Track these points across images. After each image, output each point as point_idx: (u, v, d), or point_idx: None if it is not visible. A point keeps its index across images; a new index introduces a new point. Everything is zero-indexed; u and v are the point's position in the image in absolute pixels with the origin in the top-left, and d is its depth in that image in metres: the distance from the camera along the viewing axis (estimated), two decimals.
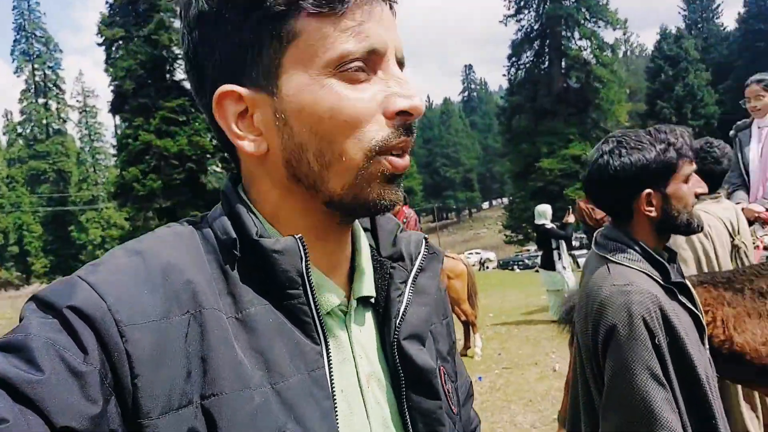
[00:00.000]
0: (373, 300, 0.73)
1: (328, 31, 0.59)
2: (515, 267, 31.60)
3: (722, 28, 59.29)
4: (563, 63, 39.28)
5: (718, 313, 2.08)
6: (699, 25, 58.00)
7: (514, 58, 41.61)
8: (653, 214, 1.53)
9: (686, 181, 1.54)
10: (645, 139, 1.51)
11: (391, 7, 0.65)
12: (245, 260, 0.63)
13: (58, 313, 0.52)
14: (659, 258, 1.51)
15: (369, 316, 0.72)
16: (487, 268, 34.19)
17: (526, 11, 40.74)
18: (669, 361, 1.37)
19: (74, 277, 0.56)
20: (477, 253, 41.51)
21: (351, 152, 0.61)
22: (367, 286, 0.72)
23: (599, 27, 38.34)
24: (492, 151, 75.98)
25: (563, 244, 7.94)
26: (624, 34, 41.80)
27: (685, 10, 59.66)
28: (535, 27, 40.55)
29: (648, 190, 1.51)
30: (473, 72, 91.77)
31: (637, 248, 1.52)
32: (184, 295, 0.57)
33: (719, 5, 59.49)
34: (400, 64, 0.65)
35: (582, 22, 38.24)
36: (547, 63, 40.33)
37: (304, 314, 0.62)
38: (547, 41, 39.93)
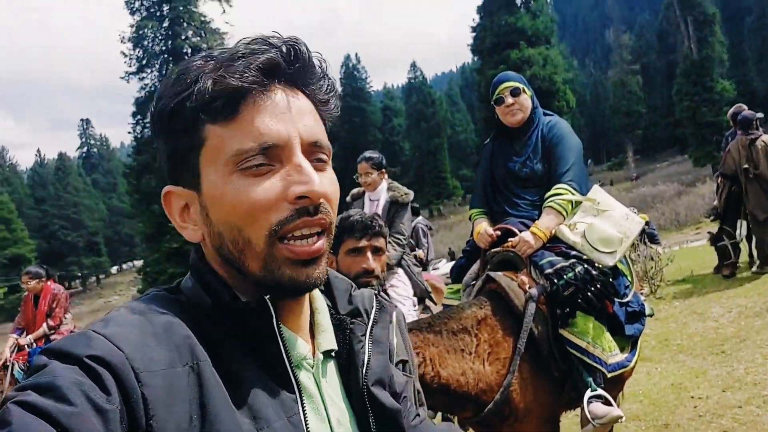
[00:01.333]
0: (333, 353, 0.83)
1: (226, 134, 0.70)
2: None
3: None
4: None
5: (426, 353, 2.24)
6: None
7: (139, 116, 40.51)
8: None
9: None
10: None
11: (304, 91, 0.78)
12: (222, 322, 0.72)
13: (79, 360, 0.59)
14: None
15: (332, 366, 0.82)
16: None
17: (148, 70, 40.32)
18: None
19: (88, 332, 0.63)
20: None
21: (254, 238, 0.70)
22: (329, 341, 0.82)
23: None
24: (119, 211, 71.43)
25: None
26: None
27: None
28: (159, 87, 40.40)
29: None
30: (92, 127, 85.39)
31: None
32: (183, 349, 0.66)
33: None
34: (313, 144, 0.75)
35: None
36: None
37: (278, 367, 0.72)
38: None
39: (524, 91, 2.92)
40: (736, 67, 54.35)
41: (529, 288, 2.53)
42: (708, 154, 40.72)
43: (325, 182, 0.75)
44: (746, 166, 7.49)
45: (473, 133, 66.36)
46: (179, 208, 0.77)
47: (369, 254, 2.01)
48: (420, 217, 9.80)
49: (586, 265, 2.55)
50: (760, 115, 7.72)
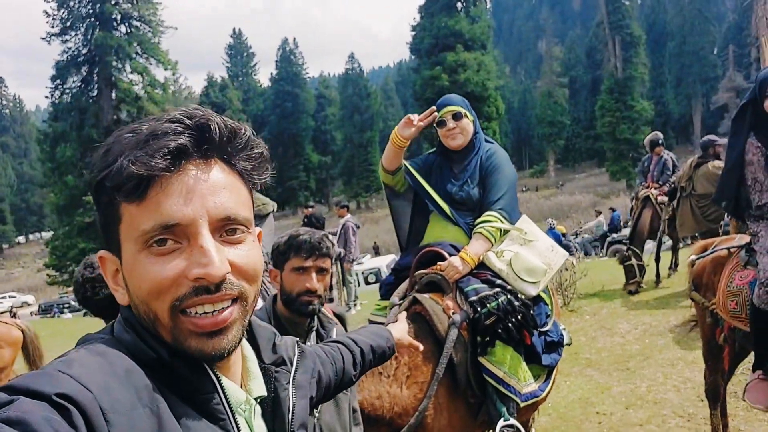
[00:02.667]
0: (259, 399, 0.89)
1: (136, 214, 0.74)
2: (62, 312, 27.92)
3: (259, 85, 67.26)
4: (113, 94, 38.09)
5: None
6: (240, 79, 64.46)
7: (58, 81, 38.26)
8: None
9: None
10: None
11: (227, 162, 0.81)
12: (164, 372, 0.75)
13: (47, 398, 0.61)
14: None
15: (258, 410, 0.88)
16: (29, 315, 29.41)
17: (72, 33, 38.14)
18: None
19: (53, 371, 0.65)
20: (12, 296, 36.11)
21: (160, 312, 0.75)
22: (259, 387, 0.89)
23: (151, 64, 38.73)
24: (29, 179, 67.26)
25: None
26: (174, 75, 42.89)
27: (228, 63, 65.55)
28: (83, 52, 38.31)
29: None
30: (5, 86, 79.98)
31: None
32: (143, 392, 0.70)
33: (256, 63, 67.46)
34: (225, 220, 0.78)
35: (134, 56, 38.01)
36: (96, 92, 38.41)
37: (219, 413, 0.78)
38: (96, 69, 38.17)
39: (466, 116, 2.94)
40: (656, 89, 57.54)
41: (453, 313, 2.55)
42: (624, 168, 42.93)
43: (239, 256, 0.79)
44: (683, 184, 8.01)
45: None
46: (111, 271, 0.81)
47: (313, 274, 1.98)
48: (349, 215, 9.81)
49: (509, 296, 2.59)
50: (721, 141, 8.20)
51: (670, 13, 61.26)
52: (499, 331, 2.51)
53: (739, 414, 4.14)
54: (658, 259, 8.92)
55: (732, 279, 3.26)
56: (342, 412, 2.00)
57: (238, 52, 66.42)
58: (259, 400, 0.89)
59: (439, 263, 2.74)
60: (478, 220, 2.81)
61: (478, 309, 2.53)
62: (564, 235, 13.03)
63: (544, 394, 2.74)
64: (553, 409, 4.75)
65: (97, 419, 0.62)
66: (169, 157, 0.73)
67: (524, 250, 2.75)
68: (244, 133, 0.82)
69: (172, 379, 0.75)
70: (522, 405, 2.58)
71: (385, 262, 16.48)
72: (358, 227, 9.86)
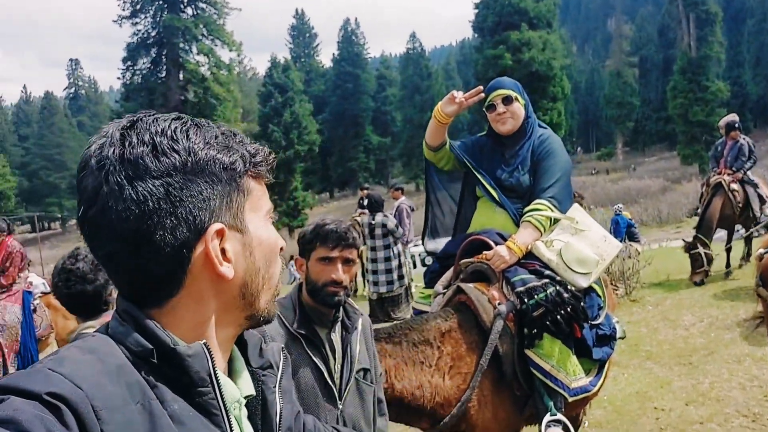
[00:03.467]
0: (247, 399, 0.90)
1: (259, 192, 0.87)
2: None
3: (321, 66, 67.72)
4: (181, 75, 39.29)
5: (381, 364, 2.20)
6: (302, 60, 65.06)
7: (129, 63, 39.72)
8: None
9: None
10: None
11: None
12: (160, 366, 0.75)
13: (38, 396, 0.61)
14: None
15: (245, 412, 0.89)
16: None
17: (142, 15, 39.42)
18: None
19: (43, 369, 0.66)
20: None
21: (275, 274, 0.88)
22: (248, 386, 0.90)
23: (216, 45, 39.62)
24: None
25: None
26: (238, 56, 43.75)
27: (291, 44, 66.22)
28: (152, 34, 39.58)
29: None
30: (81, 68, 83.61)
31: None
32: (135, 388, 0.70)
33: (318, 44, 67.90)
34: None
35: (200, 38, 38.96)
36: (164, 73, 39.72)
37: (213, 407, 0.77)
38: (165, 51, 39.40)
39: (517, 99, 2.84)
40: (732, 69, 54.40)
41: (499, 304, 2.48)
42: (696, 152, 41.04)
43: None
44: None
45: (466, 111, 66.05)
46: (216, 248, 0.80)
47: (339, 265, 1.93)
48: (403, 197, 9.74)
49: (558, 287, 2.50)
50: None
51: None
52: (548, 323, 2.43)
53: None
54: (729, 249, 8.47)
55: None
56: (366, 404, 1.97)
57: (301, 32, 66.85)
58: (245, 402, 0.89)
59: (485, 252, 2.67)
60: (527, 208, 2.72)
61: (525, 300, 2.45)
62: (631, 224, 12.45)
63: (596, 388, 2.65)
64: (608, 402, 4.60)
65: (89, 417, 0.63)
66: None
67: (575, 240, 2.64)
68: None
69: (167, 370, 0.75)
70: (570, 400, 2.50)
71: (441, 245, 16.33)
72: (413, 209, 9.80)
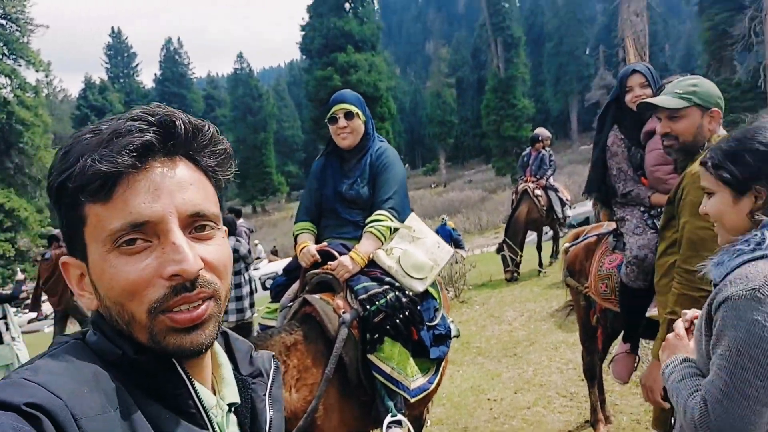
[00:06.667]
0: (234, 407, 0.89)
1: (103, 214, 0.73)
2: None
3: (142, 86, 64.06)
4: None
5: None
6: (121, 80, 61.07)
7: None
8: None
9: None
10: None
11: (192, 159, 0.81)
12: (133, 372, 0.74)
13: (16, 408, 0.60)
14: None
15: (233, 419, 0.88)
16: None
17: None
18: None
19: (19, 380, 0.64)
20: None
21: (137, 313, 0.74)
22: (233, 394, 0.88)
23: (20, 65, 35.80)
24: None
25: (10, 312, 6.91)
26: (47, 77, 39.93)
27: (108, 63, 61.91)
28: None
29: None
30: None
31: None
32: (112, 395, 0.69)
33: (138, 64, 64.20)
34: (194, 216, 0.77)
35: (1, 58, 34.98)
36: None
37: (189, 408, 0.77)
38: None
39: (358, 115, 2.94)
40: (536, 88, 60.73)
41: (344, 312, 2.57)
42: (509, 164, 44.97)
43: (209, 252, 0.78)
44: None
45: (300, 130, 66.24)
46: (76, 277, 0.79)
47: None
48: (241, 220, 9.58)
49: (397, 292, 2.65)
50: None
51: (547, 15, 64.65)
52: (388, 327, 2.56)
53: (615, 389, 4.47)
54: (539, 249, 9.47)
55: (602, 263, 3.52)
56: None
57: (119, 52, 62.78)
58: (233, 409, 0.88)
59: (329, 263, 2.76)
60: (369, 219, 2.85)
61: (368, 307, 2.56)
62: (454, 230, 13.46)
63: (433, 386, 2.82)
64: (447, 399, 4.92)
65: (70, 427, 0.62)
66: (134, 154, 0.72)
67: (412, 248, 2.82)
68: (207, 130, 0.82)
69: (140, 377, 0.75)
70: (412, 400, 2.62)
71: (282, 266, 16.10)
72: (252, 231, 9.68)
